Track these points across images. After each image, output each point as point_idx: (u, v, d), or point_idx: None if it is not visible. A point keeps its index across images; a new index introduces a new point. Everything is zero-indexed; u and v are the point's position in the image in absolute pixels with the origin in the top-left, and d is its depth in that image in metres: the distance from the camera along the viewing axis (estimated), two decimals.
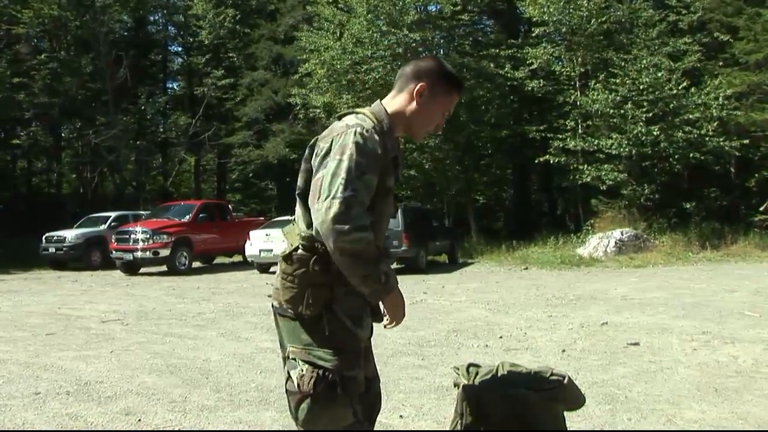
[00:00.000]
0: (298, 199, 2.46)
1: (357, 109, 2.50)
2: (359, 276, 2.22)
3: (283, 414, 4.38)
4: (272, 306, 2.47)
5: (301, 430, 2.37)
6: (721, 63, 20.83)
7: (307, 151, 2.46)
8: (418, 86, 2.47)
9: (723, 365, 5.56)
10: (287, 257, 2.39)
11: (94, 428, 4.23)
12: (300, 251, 2.36)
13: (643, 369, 5.48)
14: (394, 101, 2.52)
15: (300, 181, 2.46)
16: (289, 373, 2.37)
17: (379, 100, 2.55)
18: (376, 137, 2.32)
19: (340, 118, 2.47)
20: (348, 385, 2.32)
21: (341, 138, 2.29)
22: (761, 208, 10.72)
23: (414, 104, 2.48)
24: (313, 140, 2.48)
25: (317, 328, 2.33)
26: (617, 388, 4.90)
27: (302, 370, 2.31)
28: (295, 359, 2.35)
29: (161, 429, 3.78)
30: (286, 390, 2.41)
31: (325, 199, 2.18)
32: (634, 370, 5.44)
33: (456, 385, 2.98)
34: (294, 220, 2.49)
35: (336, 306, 2.33)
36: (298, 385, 2.31)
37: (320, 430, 2.32)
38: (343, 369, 2.32)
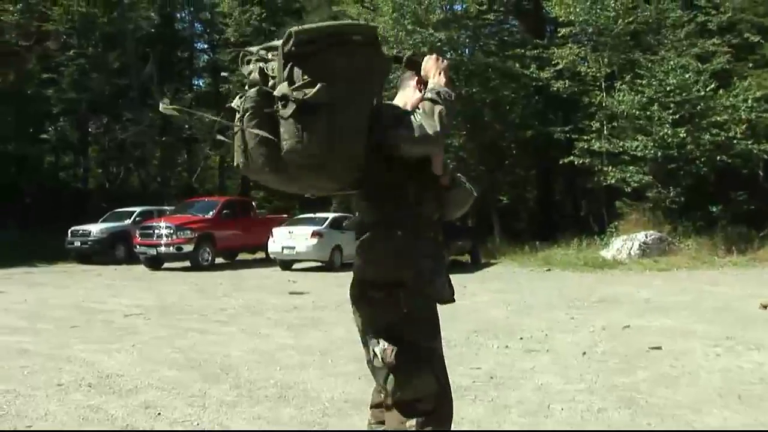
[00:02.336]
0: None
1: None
2: None
3: (302, 410, 4.40)
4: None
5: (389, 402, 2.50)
6: (750, 64, 20.50)
7: None
8: None
9: (746, 371, 5.48)
10: None
11: (115, 421, 4.27)
12: None
13: (665, 373, 5.42)
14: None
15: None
16: (373, 350, 2.50)
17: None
18: None
19: None
20: (427, 355, 2.48)
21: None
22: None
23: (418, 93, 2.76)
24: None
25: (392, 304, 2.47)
26: (637, 392, 4.86)
27: (384, 346, 2.44)
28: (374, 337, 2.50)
29: (181, 429, 3.80)
30: (373, 367, 2.56)
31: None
32: (656, 374, 5.38)
33: None
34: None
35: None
36: (382, 359, 2.44)
37: (408, 398, 2.45)
38: (421, 340, 2.48)
